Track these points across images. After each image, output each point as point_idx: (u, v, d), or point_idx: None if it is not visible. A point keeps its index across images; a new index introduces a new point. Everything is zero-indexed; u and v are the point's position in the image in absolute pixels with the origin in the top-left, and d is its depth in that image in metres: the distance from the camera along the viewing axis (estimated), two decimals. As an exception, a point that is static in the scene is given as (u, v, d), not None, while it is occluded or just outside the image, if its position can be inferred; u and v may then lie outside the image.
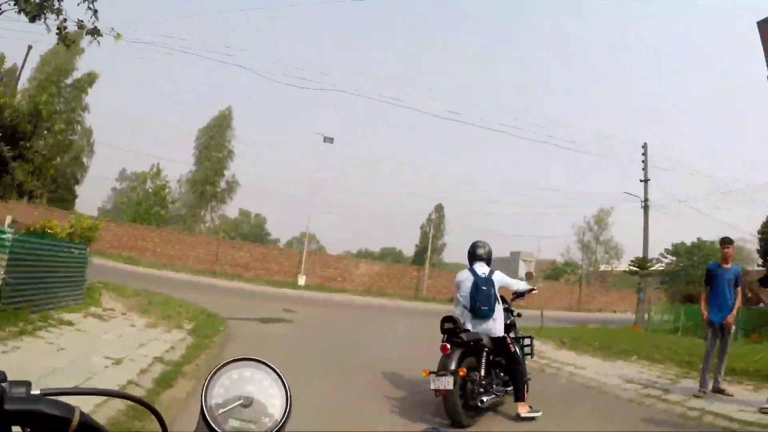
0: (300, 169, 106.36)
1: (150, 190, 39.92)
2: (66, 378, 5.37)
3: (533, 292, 7.03)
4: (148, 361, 6.83)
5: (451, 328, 5.78)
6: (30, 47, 27.44)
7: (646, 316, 24.73)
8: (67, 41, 8.07)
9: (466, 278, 6.30)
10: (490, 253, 6.59)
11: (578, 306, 41.27)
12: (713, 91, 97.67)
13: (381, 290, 34.47)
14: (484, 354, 5.98)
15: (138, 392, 5.49)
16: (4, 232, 8.00)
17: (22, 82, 33.04)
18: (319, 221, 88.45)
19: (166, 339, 8.62)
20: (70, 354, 6.53)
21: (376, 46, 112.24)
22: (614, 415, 6.99)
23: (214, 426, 1.00)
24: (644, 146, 29.75)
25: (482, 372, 5.88)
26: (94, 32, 7.83)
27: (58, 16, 7.71)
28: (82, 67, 36.35)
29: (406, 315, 21.17)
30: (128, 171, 54.47)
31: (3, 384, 0.80)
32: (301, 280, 31.87)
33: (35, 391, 0.83)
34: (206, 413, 1.00)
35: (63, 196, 36.01)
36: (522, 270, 51.11)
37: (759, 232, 30.42)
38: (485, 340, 6.00)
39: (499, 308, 6.19)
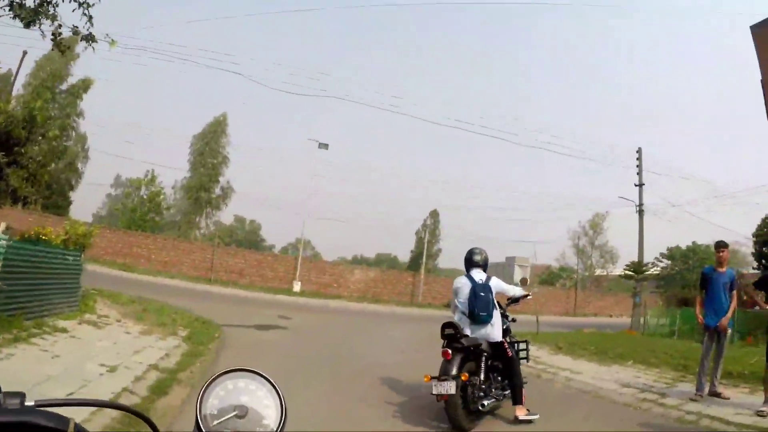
0: (295, 175, 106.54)
1: (145, 197, 39.81)
2: (60, 385, 5.33)
3: (528, 297, 7.12)
4: (143, 368, 6.80)
5: (451, 334, 5.89)
6: (25, 53, 27.47)
7: (641, 320, 24.78)
8: (62, 47, 8.06)
9: (464, 284, 6.42)
10: (486, 259, 6.71)
11: (574, 311, 41.30)
12: (707, 96, 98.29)
13: (376, 296, 34.42)
14: (483, 359, 6.09)
15: (133, 400, 5.47)
16: (-2, 239, 7.95)
17: (17, 88, 33.08)
18: (314, 227, 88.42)
19: (161, 346, 8.58)
20: (64, 361, 6.48)
21: (371, 52, 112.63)
22: (611, 420, 6.98)
23: None
24: (639, 151, 29.85)
25: (482, 376, 5.99)
26: (89, 38, 7.82)
27: (53, 22, 7.69)
28: (77, 72, 36.27)
29: (401, 321, 21.16)
30: (123, 177, 54.13)
31: None
32: (297, 287, 31.80)
33: (29, 403, 0.82)
34: (201, 424, 0.99)
35: (57, 202, 35.86)
36: (517, 275, 51.13)
37: (754, 236, 30.64)
38: (484, 345, 6.12)
39: (496, 314, 6.33)
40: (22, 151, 31.11)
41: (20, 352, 6.54)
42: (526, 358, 7.34)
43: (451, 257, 52.84)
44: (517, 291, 6.98)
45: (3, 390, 0.81)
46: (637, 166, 29.63)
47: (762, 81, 19.25)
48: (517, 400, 6.17)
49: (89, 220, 36.91)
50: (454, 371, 5.61)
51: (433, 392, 5.57)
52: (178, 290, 21.21)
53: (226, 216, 51.88)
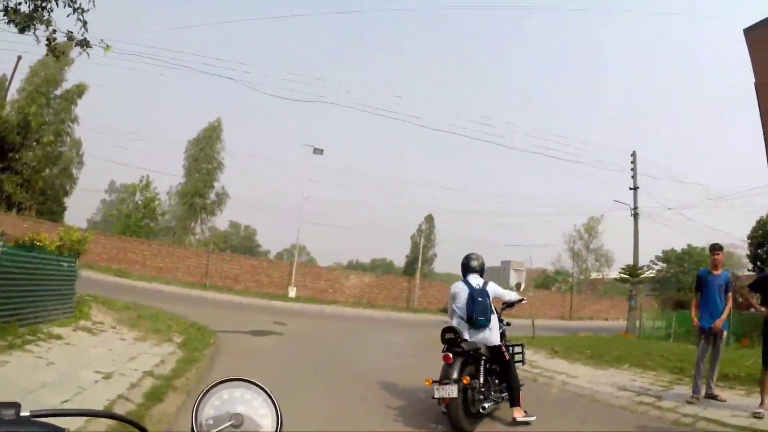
0: (290, 181, 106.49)
1: (139, 202, 39.70)
2: (55, 393, 5.29)
3: (523, 302, 7.19)
4: (138, 375, 6.77)
5: (452, 338, 5.98)
6: (19, 58, 27.37)
7: (637, 323, 24.82)
8: (57, 52, 8.04)
9: (461, 289, 6.53)
10: (483, 264, 6.83)
11: (570, 314, 41.34)
12: (702, 99, 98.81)
13: (372, 301, 34.38)
14: (482, 362, 6.21)
15: (128, 407, 5.44)
16: (-8, 246, 7.92)
17: (11, 93, 32.96)
18: (310, 233, 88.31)
19: (156, 353, 8.55)
20: (59, 368, 6.44)
21: (366, 58, 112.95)
22: (608, 423, 6.99)
23: None
24: (633, 154, 29.97)
25: (481, 379, 6.11)
26: (84, 44, 7.80)
27: (47, 27, 7.67)
28: (72, 78, 36.23)
29: (397, 326, 21.14)
30: (117, 183, 54.06)
31: None
32: (292, 292, 31.73)
33: (25, 413, 0.82)
34: None
35: (52, 208, 35.71)
36: (513, 279, 51.27)
37: (749, 238, 30.75)
38: (483, 349, 6.23)
39: (494, 318, 6.45)
40: (17, 156, 31.01)
41: (15, 359, 6.50)
42: (522, 361, 7.41)
43: (446, 262, 52.98)
44: (512, 296, 7.05)
45: None
46: (632, 169, 29.73)
47: (755, 83, 19.42)
48: (514, 402, 6.27)
49: (84, 226, 36.65)
50: (455, 375, 5.69)
51: (435, 396, 5.64)
52: (173, 296, 21.13)
53: (221, 222, 51.88)
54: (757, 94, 19.37)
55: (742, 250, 35.87)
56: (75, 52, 8.31)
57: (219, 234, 53.44)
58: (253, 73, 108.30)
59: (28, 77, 34.52)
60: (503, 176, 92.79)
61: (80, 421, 4.00)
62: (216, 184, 43.04)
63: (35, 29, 7.65)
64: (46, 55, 8.26)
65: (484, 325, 6.28)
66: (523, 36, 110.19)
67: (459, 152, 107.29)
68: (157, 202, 40.38)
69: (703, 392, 7.66)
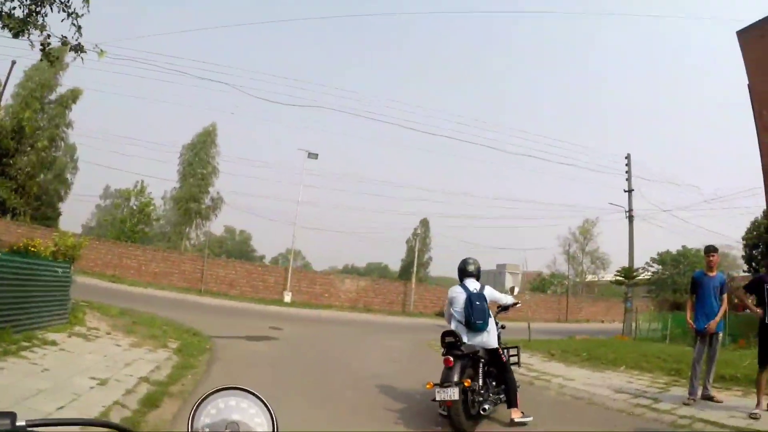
0: (285, 185, 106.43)
1: (134, 208, 39.62)
2: (51, 399, 5.26)
3: (517, 305, 7.29)
4: (134, 381, 6.74)
5: (452, 342, 6.09)
6: (14, 62, 27.25)
7: (633, 325, 24.85)
8: (51, 57, 8.02)
9: (459, 294, 6.64)
10: (479, 269, 6.96)
11: (566, 317, 41.43)
12: (696, 101, 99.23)
13: (367, 306, 34.38)
14: (481, 365, 6.33)
15: (124, 413, 5.41)
16: (-15, 252, 7.89)
17: (6, 98, 32.83)
18: (305, 237, 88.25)
19: (151, 359, 8.51)
20: (54, 375, 6.41)
21: (362, 62, 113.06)
22: (605, 426, 6.98)
23: None
24: (628, 157, 30.04)
25: (480, 382, 6.23)
26: (78, 49, 7.78)
27: (41, 32, 7.66)
28: (66, 82, 36.13)
29: (393, 330, 21.13)
30: (112, 188, 53.91)
31: None
32: (287, 297, 31.70)
33: (20, 423, 0.81)
34: None
35: (46, 213, 35.64)
36: (509, 282, 51.28)
37: (743, 239, 30.86)
38: (481, 352, 6.35)
39: (491, 321, 6.59)
40: (11, 162, 30.91)
41: (10, 366, 6.46)
42: (518, 363, 7.55)
43: (441, 265, 53.09)
44: (508, 299, 7.15)
45: None
46: (627, 172, 29.82)
47: (748, 84, 19.54)
48: (512, 403, 6.38)
49: (78, 232, 36.62)
50: (455, 378, 5.77)
51: (437, 398, 5.72)
52: (168, 302, 21.08)
53: (216, 227, 51.89)
54: (750, 95, 19.49)
55: (737, 251, 36.02)
56: (69, 56, 8.29)
57: (214, 239, 53.31)
58: (247, 78, 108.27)
59: (22, 82, 34.43)
60: (498, 179, 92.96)
61: (76, 429, 3.97)
62: (211, 189, 43.04)
63: (29, 34, 7.64)
64: (41, 59, 8.23)
65: (482, 328, 6.38)
66: (517, 40, 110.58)
67: (454, 156, 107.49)
68: (151, 207, 40.36)
69: (699, 394, 7.67)
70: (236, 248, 68.67)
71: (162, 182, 66.86)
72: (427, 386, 5.91)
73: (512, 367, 6.95)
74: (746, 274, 30.06)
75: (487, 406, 6.12)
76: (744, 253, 31.98)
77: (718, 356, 7.94)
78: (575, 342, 17.13)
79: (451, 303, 6.71)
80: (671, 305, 27.58)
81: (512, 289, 8.66)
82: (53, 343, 8.28)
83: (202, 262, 32.17)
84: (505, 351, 6.99)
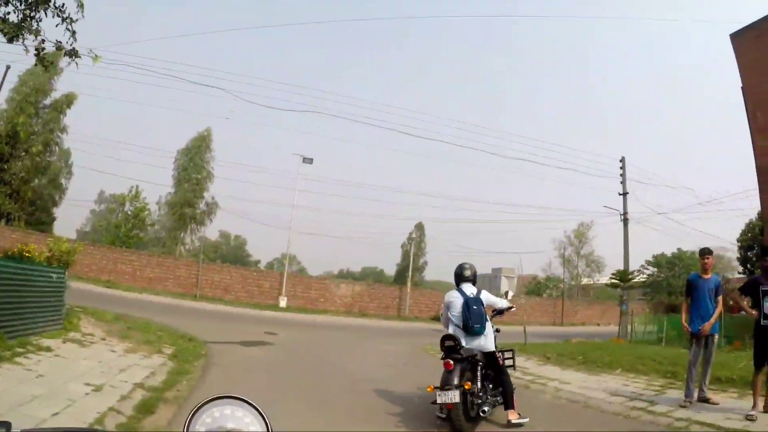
0: (280, 190, 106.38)
1: (129, 213, 39.50)
2: (45, 406, 5.23)
3: (512, 309, 7.42)
4: (129, 387, 6.71)
5: (451, 346, 6.20)
6: (8, 67, 27.16)
7: (629, 327, 24.91)
8: (45, 62, 7.99)
9: (456, 298, 6.73)
10: (475, 274, 7.07)
11: (561, 320, 41.46)
12: (690, 103, 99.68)
13: (363, 310, 34.36)
14: (479, 368, 6.43)
15: (119, 419, 5.39)
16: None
17: (0, 103, 32.75)
18: (300, 242, 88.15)
19: (146, 364, 8.47)
20: (49, 381, 6.37)
21: (361, 64, 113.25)
22: (601, 429, 6.99)
23: None
24: (622, 160, 30.15)
25: (478, 384, 6.32)
26: (72, 54, 7.77)
27: (36, 37, 7.64)
28: (61, 87, 36.03)
29: (388, 335, 21.12)
30: (107, 193, 53.68)
31: None
32: (283, 302, 31.66)
33: (16, 431, 0.81)
34: None
35: (41, 218, 35.49)
36: (504, 286, 51.33)
37: (738, 241, 31.03)
38: (479, 356, 6.46)
39: (488, 325, 6.68)
40: (5, 166, 30.81)
41: (4, 372, 6.43)
42: (513, 366, 7.61)
43: (437, 270, 53.09)
44: (504, 303, 7.25)
45: None
46: (621, 175, 29.92)
47: (742, 86, 19.66)
48: (509, 404, 6.48)
49: (73, 237, 36.45)
50: (456, 380, 5.87)
51: (438, 401, 5.81)
52: (163, 307, 21.01)
53: (211, 232, 51.69)
54: (743, 96, 19.60)
55: (732, 253, 36.21)
56: (64, 61, 8.27)
57: (209, 244, 53.24)
58: (245, 83, 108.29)
59: (16, 87, 34.30)
60: (493, 183, 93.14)
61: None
62: (206, 194, 42.84)
63: (24, 39, 7.61)
64: (35, 64, 8.20)
65: (479, 332, 6.47)
66: (513, 44, 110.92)
67: (449, 160, 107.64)
68: (146, 212, 40.21)
69: (695, 396, 7.68)
70: (231, 253, 68.53)
71: (157, 187, 66.77)
72: (428, 389, 6.01)
73: (508, 370, 7.02)
74: (741, 275, 30.23)
75: (486, 408, 6.23)
76: (739, 255, 32.19)
77: (714, 358, 7.96)
78: (571, 345, 17.14)
79: (448, 307, 6.78)
80: (666, 308, 27.66)
81: (506, 294, 8.73)
82: (48, 349, 8.23)
83: (197, 267, 32.09)
84: (501, 354, 7.05)
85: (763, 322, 6.94)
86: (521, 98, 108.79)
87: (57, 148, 37.17)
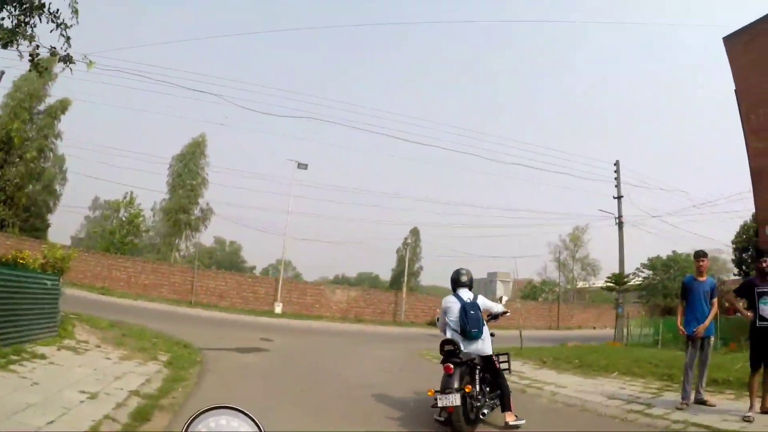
0: (275, 196, 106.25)
1: (123, 219, 39.39)
2: (40, 414, 5.20)
3: (507, 314, 7.45)
4: (124, 394, 6.68)
5: (451, 350, 6.28)
6: (2, 73, 27.09)
7: (625, 330, 24.93)
8: (40, 68, 7.97)
9: (453, 303, 6.81)
10: (471, 279, 7.16)
11: (557, 324, 41.49)
12: (684, 106, 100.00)
13: (359, 316, 34.32)
14: (477, 371, 6.51)
15: (114, 427, 5.36)
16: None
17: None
18: (295, 248, 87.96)
19: (141, 371, 8.44)
20: (44, 388, 6.33)
21: (360, 65, 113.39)
22: (598, 432, 7.00)
23: None
24: (617, 164, 30.27)
25: (477, 387, 6.39)
26: (67, 59, 7.74)
27: (30, 43, 7.61)
28: (55, 93, 35.95)
29: (384, 341, 21.13)
30: (101, 199, 53.53)
31: None
32: (278, 308, 31.60)
33: None
34: None
35: (35, 225, 35.34)
36: (500, 290, 51.40)
37: (733, 243, 31.16)
38: (477, 359, 6.54)
39: (485, 329, 6.75)
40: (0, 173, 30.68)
41: (-2, 380, 6.39)
42: (508, 369, 7.74)
43: (432, 275, 53.06)
44: (499, 308, 7.29)
45: None
46: (616, 178, 30.02)
47: (735, 90, 19.76)
48: (506, 407, 6.59)
49: (68, 243, 36.33)
50: (456, 384, 5.94)
51: (439, 404, 5.87)
52: (158, 314, 20.96)
53: (205, 238, 51.50)
54: (737, 99, 19.71)
55: (727, 255, 36.36)
56: (58, 67, 8.24)
57: (204, 250, 53.05)
58: (240, 89, 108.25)
59: (11, 92, 34.20)
60: (489, 188, 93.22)
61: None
62: (200, 200, 42.75)
63: (18, 45, 7.58)
64: (29, 70, 8.17)
65: (477, 336, 6.53)
66: (508, 49, 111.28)
67: (444, 165, 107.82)
68: (141, 219, 40.13)
69: (692, 398, 7.68)
70: (226, 259, 68.35)
71: (151, 193, 66.54)
72: (429, 393, 6.05)
73: (504, 373, 7.12)
74: (736, 277, 30.31)
75: (485, 411, 6.35)
76: (734, 257, 32.31)
77: (710, 360, 7.96)
78: (567, 349, 17.15)
79: (445, 312, 6.84)
80: (662, 310, 27.67)
81: (501, 299, 8.76)
82: (42, 356, 8.19)
83: (192, 274, 32.02)
84: (497, 358, 7.12)
85: (758, 323, 6.97)
86: (521, 98, 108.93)
87: (51, 154, 37.06)
